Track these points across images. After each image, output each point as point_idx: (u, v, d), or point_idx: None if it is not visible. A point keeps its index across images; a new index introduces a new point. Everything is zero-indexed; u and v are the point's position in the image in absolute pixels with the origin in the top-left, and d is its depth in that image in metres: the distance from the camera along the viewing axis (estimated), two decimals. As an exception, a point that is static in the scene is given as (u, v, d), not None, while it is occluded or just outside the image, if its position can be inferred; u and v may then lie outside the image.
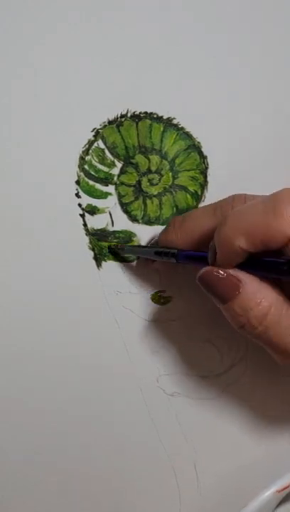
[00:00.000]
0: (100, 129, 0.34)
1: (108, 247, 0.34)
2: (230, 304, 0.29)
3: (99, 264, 0.35)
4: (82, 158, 0.34)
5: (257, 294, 0.29)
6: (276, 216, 0.27)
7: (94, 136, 0.34)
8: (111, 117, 0.34)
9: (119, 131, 0.34)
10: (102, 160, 0.34)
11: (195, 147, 0.36)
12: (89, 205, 0.34)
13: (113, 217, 0.35)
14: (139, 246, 0.35)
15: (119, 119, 0.34)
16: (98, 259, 0.35)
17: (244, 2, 0.36)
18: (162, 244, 0.33)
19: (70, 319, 0.34)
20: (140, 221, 0.35)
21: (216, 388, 0.38)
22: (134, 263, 0.35)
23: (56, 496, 0.35)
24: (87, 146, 0.34)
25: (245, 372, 0.38)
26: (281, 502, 0.34)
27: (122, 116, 0.34)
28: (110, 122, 0.34)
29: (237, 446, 0.38)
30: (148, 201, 0.35)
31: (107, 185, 0.34)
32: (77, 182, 0.34)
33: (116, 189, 0.35)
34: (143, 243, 0.36)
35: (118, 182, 0.35)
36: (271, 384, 0.39)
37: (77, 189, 0.34)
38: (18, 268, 0.33)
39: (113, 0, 0.34)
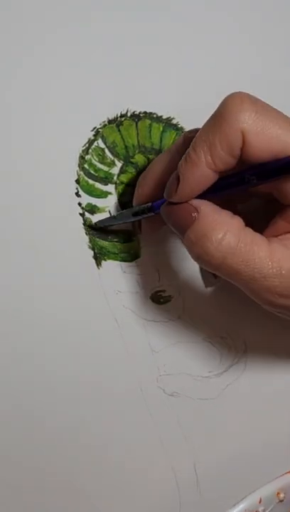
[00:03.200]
0: (100, 128, 0.34)
1: (88, 226, 0.34)
2: (187, 232, 0.29)
3: (99, 264, 0.35)
4: (82, 158, 0.34)
5: (213, 221, 0.28)
6: (224, 118, 0.27)
7: (94, 135, 0.34)
8: (111, 117, 0.34)
9: (119, 130, 0.34)
10: (102, 159, 0.34)
11: (194, 147, 0.36)
12: (89, 204, 0.34)
13: (113, 216, 0.35)
14: (115, 216, 0.34)
15: (118, 119, 0.34)
16: (98, 259, 0.34)
17: (244, 1, 0.36)
18: (136, 203, 0.33)
19: (70, 319, 0.34)
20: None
21: (216, 388, 0.37)
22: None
23: (55, 496, 0.35)
24: (87, 145, 0.34)
25: (244, 371, 0.38)
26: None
27: (122, 115, 0.34)
28: (110, 122, 0.34)
29: (237, 446, 0.38)
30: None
31: (107, 185, 0.34)
32: (77, 181, 0.34)
33: (116, 188, 0.35)
34: (143, 243, 0.36)
35: (118, 181, 0.35)
36: (271, 383, 0.39)
37: (76, 188, 0.34)
38: (17, 267, 0.33)
39: (113, 0, 0.34)
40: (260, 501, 0.32)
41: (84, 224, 0.34)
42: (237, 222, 0.29)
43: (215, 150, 0.27)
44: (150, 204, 0.32)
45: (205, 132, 0.28)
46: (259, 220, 0.31)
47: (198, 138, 0.28)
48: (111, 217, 0.34)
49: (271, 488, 0.33)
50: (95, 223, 0.34)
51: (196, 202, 0.29)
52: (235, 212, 0.29)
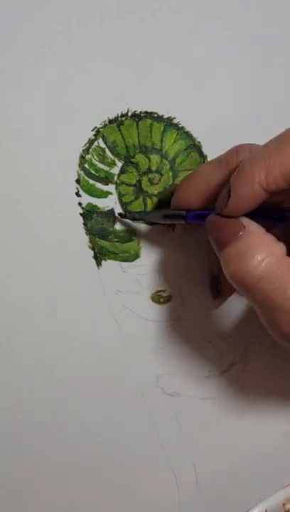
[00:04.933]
0: (101, 128, 0.34)
1: (118, 214, 0.34)
2: (228, 246, 0.29)
3: (99, 263, 0.34)
4: (82, 157, 0.34)
5: (258, 241, 0.28)
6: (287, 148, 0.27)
7: (94, 135, 0.34)
8: (112, 116, 0.34)
9: (120, 130, 0.34)
10: (103, 159, 0.34)
11: (195, 147, 0.36)
12: (89, 204, 0.34)
13: (113, 216, 0.35)
14: (147, 212, 0.35)
15: (119, 119, 0.34)
16: (98, 258, 0.34)
17: (245, 4, 0.36)
18: (173, 205, 0.33)
19: (70, 318, 0.34)
20: (140, 220, 0.35)
21: (216, 388, 0.37)
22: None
23: (55, 496, 0.35)
24: (87, 145, 0.34)
25: (244, 371, 0.38)
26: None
27: (123, 115, 0.34)
28: (111, 121, 0.34)
29: (237, 447, 0.38)
30: (149, 200, 0.35)
31: (107, 185, 0.34)
32: (78, 181, 0.34)
33: (116, 188, 0.35)
34: (143, 243, 0.35)
35: (118, 181, 0.35)
36: (271, 383, 0.39)
37: (77, 188, 0.34)
38: (18, 267, 0.33)
39: (113, 0, 0.34)
40: None
41: (84, 224, 0.34)
42: (280, 248, 0.28)
43: (272, 172, 0.28)
44: (183, 212, 0.32)
45: (266, 152, 0.28)
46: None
47: (258, 156, 0.28)
48: (144, 212, 0.35)
49: (276, 499, 0.33)
50: (125, 212, 0.34)
51: (245, 220, 0.29)
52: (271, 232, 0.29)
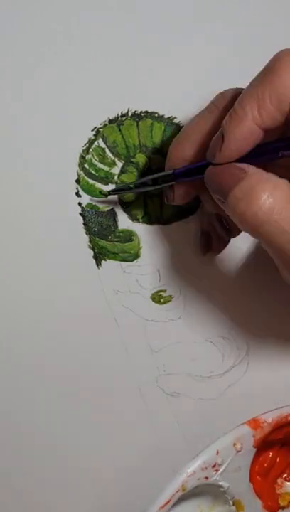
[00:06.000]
0: (101, 128, 0.34)
1: (103, 193, 0.33)
2: (233, 190, 0.28)
3: (98, 263, 0.35)
4: (82, 157, 0.34)
5: (262, 178, 0.27)
6: (275, 73, 0.27)
7: (94, 135, 0.34)
8: (112, 116, 0.34)
9: (120, 130, 0.34)
10: (103, 159, 0.34)
11: (196, 146, 0.36)
12: (89, 204, 0.34)
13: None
14: (133, 182, 0.33)
15: (119, 118, 0.34)
16: (98, 258, 0.34)
17: (245, 4, 0.36)
18: (168, 168, 0.32)
19: (70, 318, 0.34)
20: (140, 220, 0.35)
21: (217, 388, 0.37)
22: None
23: (55, 496, 0.35)
24: (87, 145, 0.34)
25: (247, 372, 0.38)
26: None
27: (123, 115, 0.34)
28: (111, 121, 0.34)
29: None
30: (149, 201, 0.35)
31: (108, 184, 0.34)
32: (77, 181, 0.34)
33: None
34: (143, 243, 0.35)
35: (118, 181, 0.35)
36: (273, 384, 0.39)
37: (77, 188, 0.34)
38: (17, 267, 0.33)
39: (113, 0, 0.34)
40: (217, 453, 0.33)
41: (84, 224, 0.34)
42: (284, 182, 0.28)
43: (263, 104, 0.27)
44: (171, 172, 0.31)
45: (253, 87, 0.27)
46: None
47: (246, 93, 0.27)
48: (127, 186, 0.33)
49: (227, 440, 0.33)
50: (109, 191, 0.33)
51: (242, 164, 0.28)
52: None
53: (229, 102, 0.29)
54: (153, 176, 0.32)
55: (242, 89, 0.29)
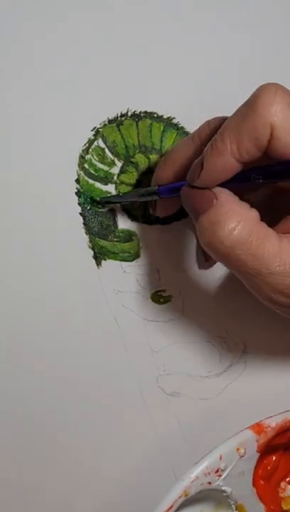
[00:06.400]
0: (100, 128, 0.34)
1: (95, 200, 0.34)
2: (201, 217, 0.28)
3: (98, 263, 0.35)
4: (82, 157, 0.34)
5: (230, 209, 0.28)
6: (254, 110, 0.27)
7: (94, 135, 0.34)
8: (112, 116, 0.34)
9: (119, 130, 0.34)
10: (102, 159, 0.34)
11: (194, 147, 0.36)
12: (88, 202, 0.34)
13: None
14: (121, 195, 0.35)
15: (119, 118, 0.34)
16: (98, 258, 0.34)
17: (245, 4, 0.36)
18: (153, 185, 0.33)
19: (70, 318, 0.34)
20: (140, 220, 0.35)
21: (215, 388, 0.38)
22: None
23: (55, 496, 0.35)
24: (87, 145, 0.34)
25: (244, 371, 0.38)
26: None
27: (122, 115, 0.34)
28: (110, 121, 0.34)
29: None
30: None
31: (107, 184, 0.34)
32: (77, 181, 0.34)
33: (116, 188, 0.35)
34: (143, 242, 0.35)
35: (118, 181, 0.35)
36: (270, 383, 0.39)
37: (77, 188, 0.34)
38: (17, 267, 0.33)
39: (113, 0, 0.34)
40: (221, 458, 0.33)
41: (84, 224, 0.34)
42: (253, 214, 0.28)
43: (241, 141, 0.27)
44: (156, 188, 0.32)
45: (233, 122, 0.28)
46: (271, 212, 0.31)
47: (226, 127, 0.28)
48: (117, 195, 0.34)
49: (230, 445, 0.33)
50: (100, 199, 0.34)
51: (217, 189, 0.29)
52: (245, 200, 0.29)
53: (213, 132, 0.30)
54: (140, 191, 0.33)
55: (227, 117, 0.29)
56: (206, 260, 0.36)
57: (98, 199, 0.34)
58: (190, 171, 0.30)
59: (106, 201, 0.34)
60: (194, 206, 0.29)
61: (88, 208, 0.34)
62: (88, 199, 0.34)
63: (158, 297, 0.36)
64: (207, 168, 0.28)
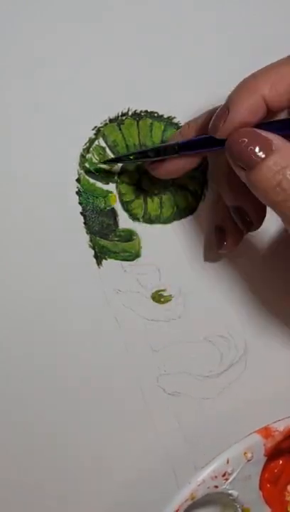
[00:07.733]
0: (101, 127, 0.34)
1: (103, 162, 0.33)
2: (267, 161, 0.26)
3: (99, 263, 0.34)
4: (82, 156, 0.34)
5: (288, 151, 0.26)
6: None
7: (95, 134, 0.34)
8: (112, 116, 0.34)
9: (120, 129, 0.34)
10: (103, 158, 0.34)
11: (195, 146, 0.36)
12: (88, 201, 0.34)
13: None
14: (135, 152, 0.33)
15: (120, 118, 0.34)
16: (98, 258, 0.34)
17: (245, 5, 0.36)
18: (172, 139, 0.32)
19: (70, 318, 0.34)
20: (141, 220, 0.35)
21: (216, 387, 0.37)
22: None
23: (55, 496, 0.35)
24: (87, 144, 0.34)
25: (245, 371, 0.38)
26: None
27: (123, 114, 0.34)
28: (111, 120, 0.34)
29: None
30: (149, 200, 0.35)
31: (108, 184, 0.34)
32: (78, 180, 0.34)
33: (116, 187, 0.35)
34: (144, 242, 0.35)
35: (119, 180, 0.35)
36: (271, 382, 0.39)
37: (77, 187, 0.34)
38: (17, 266, 0.33)
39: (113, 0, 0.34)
40: (228, 462, 0.33)
41: (84, 223, 0.34)
42: None
43: (277, 85, 0.26)
44: (176, 143, 0.30)
45: (270, 66, 0.27)
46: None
47: (265, 68, 0.27)
48: (133, 153, 0.33)
49: (237, 449, 0.33)
50: (106, 160, 0.33)
51: (265, 133, 0.27)
52: None
53: None
54: (159, 146, 0.32)
55: None
56: (218, 249, 0.35)
57: (105, 160, 0.33)
58: (213, 120, 0.28)
59: (117, 158, 0.33)
60: (247, 153, 0.27)
61: (90, 201, 0.34)
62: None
63: (159, 297, 0.36)
64: (235, 111, 0.27)
